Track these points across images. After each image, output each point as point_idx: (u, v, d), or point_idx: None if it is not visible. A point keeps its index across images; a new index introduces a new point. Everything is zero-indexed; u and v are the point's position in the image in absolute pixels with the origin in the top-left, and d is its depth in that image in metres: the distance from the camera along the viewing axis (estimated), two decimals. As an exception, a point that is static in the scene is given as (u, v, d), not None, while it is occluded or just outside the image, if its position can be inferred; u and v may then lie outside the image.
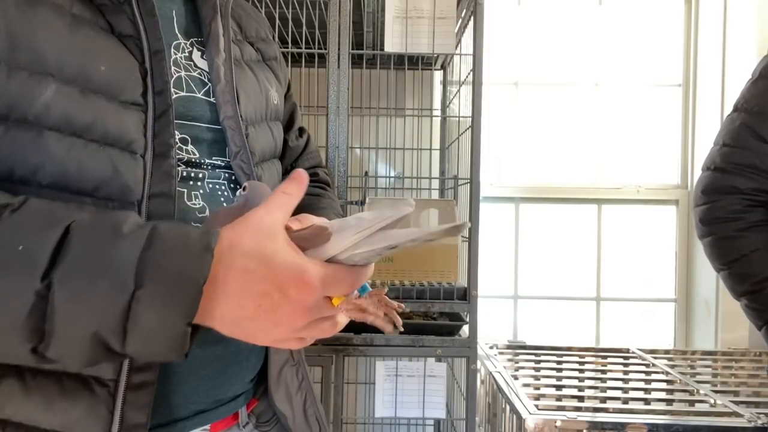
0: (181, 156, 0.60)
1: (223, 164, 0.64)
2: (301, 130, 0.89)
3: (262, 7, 1.54)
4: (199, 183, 0.61)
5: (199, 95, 0.63)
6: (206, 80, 0.64)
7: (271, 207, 0.49)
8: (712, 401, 1.37)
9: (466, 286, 1.47)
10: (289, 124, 0.86)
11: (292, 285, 0.46)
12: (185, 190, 0.60)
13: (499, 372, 1.57)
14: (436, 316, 1.63)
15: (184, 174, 0.60)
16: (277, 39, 0.82)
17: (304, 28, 1.69)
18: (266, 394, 0.71)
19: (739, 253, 0.98)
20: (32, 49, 0.50)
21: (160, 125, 0.56)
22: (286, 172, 0.84)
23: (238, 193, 0.56)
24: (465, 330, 1.51)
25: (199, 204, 0.60)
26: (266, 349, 0.71)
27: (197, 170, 0.61)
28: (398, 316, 0.54)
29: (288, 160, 0.85)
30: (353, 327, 1.48)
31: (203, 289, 0.44)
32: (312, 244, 0.49)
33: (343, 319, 0.53)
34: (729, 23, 2.05)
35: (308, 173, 0.86)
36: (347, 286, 0.50)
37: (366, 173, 1.77)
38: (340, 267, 0.49)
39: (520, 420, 1.27)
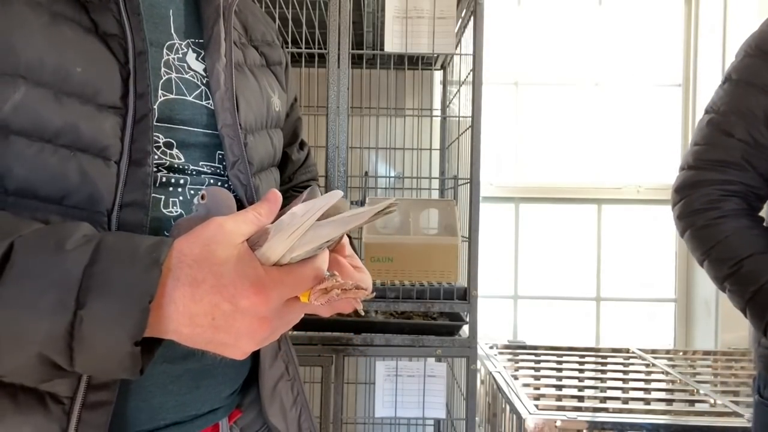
0: (162, 161, 0.57)
1: (210, 171, 0.61)
2: (302, 144, 0.89)
3: (262, 7, 1.53)
4: (179, 189, 0.58)
5: (189, 98, 0.60)
6: (200, 83, 0.61)
7: (237, 218, 0.47)
8: (712, 401, 1.37)
9: (466, 286, 1.47)
10: (293, 138, 0.85)
11: (243, 296, 0.44)
12: (163, 197, 0.56)
13: (499, 372, 1.57)
14: (436, 316, 1.63)
15: (164, 180, 0.57)
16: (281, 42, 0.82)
17: (304, 28, 1.69)
18: (254, 406, 0.69)
19: (715, 240, 0.98)
20: (3, 47, 0.47)
21: (139, 130, 0.52)
22: (284, 183, 0.83)
23: (195, 200, 0.53)
24: (465, 330, 1.51)
25: (176, 212, 0.57)
26: (253, 363, 0.69)
27: (179, 176, 0.58)
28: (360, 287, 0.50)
29: (288, 172, 0.85)
30: (353, 327, 1.49)
31: (150, 308, 0.42)
32: (258, 247, 0.46)
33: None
34: (729, 23, 2.05)
35: (304, 185, 0.88)
36: (310, 281, 0.48)
37: (366, 173, 1.77)
38: (296, 266, 0.47)
39: (520, 420, 1.27)
